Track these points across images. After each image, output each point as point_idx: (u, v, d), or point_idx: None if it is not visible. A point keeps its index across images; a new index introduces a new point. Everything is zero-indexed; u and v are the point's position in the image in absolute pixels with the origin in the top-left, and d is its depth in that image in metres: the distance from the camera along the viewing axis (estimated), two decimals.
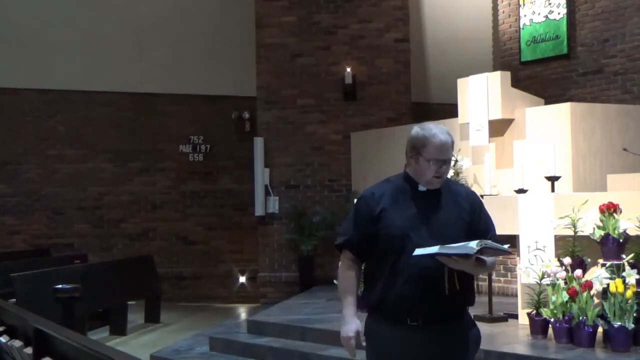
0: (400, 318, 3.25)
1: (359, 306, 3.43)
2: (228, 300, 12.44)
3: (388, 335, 3.29)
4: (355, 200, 3.56)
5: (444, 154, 3.27)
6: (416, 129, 3.35)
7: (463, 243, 3.13)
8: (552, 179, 6.94)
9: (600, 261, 5.95)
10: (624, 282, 5.57)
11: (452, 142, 3.33)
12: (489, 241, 3.19)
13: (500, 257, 8.75)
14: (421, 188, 3.34)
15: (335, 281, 8.24)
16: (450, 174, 8.51)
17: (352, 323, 3.33)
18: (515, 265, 6.78)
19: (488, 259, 3.24)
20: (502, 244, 3.33)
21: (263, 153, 11.35)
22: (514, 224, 6.57)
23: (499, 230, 6.90)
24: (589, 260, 6.07)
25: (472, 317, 3.45)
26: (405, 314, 3.24)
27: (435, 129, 3.31)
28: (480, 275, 9.03)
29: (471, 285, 3.39)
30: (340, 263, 3.48)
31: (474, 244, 3.11)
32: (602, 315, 5.69)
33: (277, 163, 11.41)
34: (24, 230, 12.44)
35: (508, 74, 8.61)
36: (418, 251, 3.14)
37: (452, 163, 8.52)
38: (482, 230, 3.35)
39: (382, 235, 3.28)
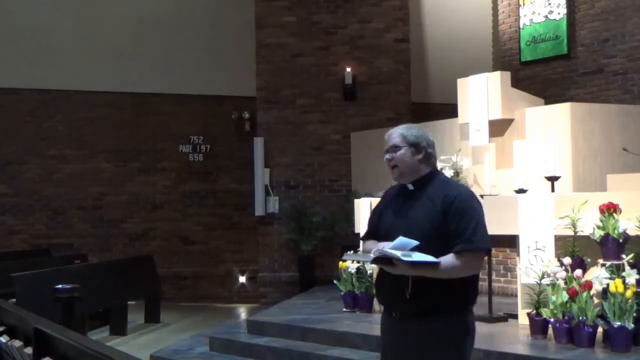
0: (386, 309, 3.56)
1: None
2: (228, 300, 12.44)
3: (382, 325, 3.59)
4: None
5: (387, 143, 3.52)
6: None
7: (376, 249, 3.32)
8: (552, 179, 6.95)
9: (600, 261, 5.95)
10: (623, 282, 5.57)
11: (401, 132, 3.52)
12: (385, 250, 3.26)
13: (500, 257, 8.75)
14: (410, 187, 3.52)
15: (335, 281, 8.24)
16: (450, 173, 8.54)
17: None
18: (515, 265, 6.78)
19: (442, 265, 3.25)
20: (482, 246, 3.36)
21: (263, 153, 11.35)
22: (514, 224, 6.56)
23: (499, 231, 6.90)
24: (589, 260, 6.07)
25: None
26: (387, 306, 3.55)
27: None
28: (480, 275, 9.03)
29: (442, 288, 3.33)
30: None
31: (372, 252, 3.31)
32: (602, 315, 5.69)
33: (277, 163, 11.41)
34: (24, 230, 12.44)
35: (508, 74, 8.60)
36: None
37: (451, 163, 8.53)
38: (453, 231, 3.33)
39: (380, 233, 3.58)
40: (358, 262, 7.84)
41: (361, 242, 3.80)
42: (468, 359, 3.42)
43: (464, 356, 3.40)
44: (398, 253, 3.22)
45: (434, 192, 3.44)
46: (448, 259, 3.29)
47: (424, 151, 3.51)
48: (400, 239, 3.28)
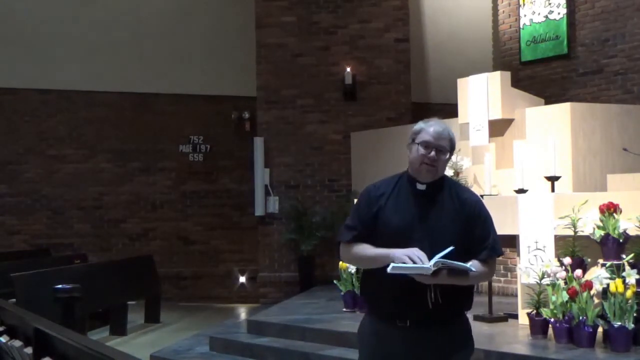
0: (390, 318, 3.28)
1: (358, 305, 3.47)
2: (228, 300, 12.44)
3: (380, 334, 3.32)
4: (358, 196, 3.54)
5: (435, 140, 3.28)
6: (419, 122, 3.40)
7: (426, 262, 3.10)
8: (552, 179, 6.94)
9: (600, 261, 5.95)
10: (624, 282, 5.57)
11: (450, 136, 3.32)
12: (448, 260, 3.12)
13: (500, 258, 8.75)
14: (420, 187, 3.32)
15: (335, 281, 8.23)
16: (450, 173, 8.54)
17: (396, 250, 3.20)
18: (515, 265, 6.78)
19: (474, 270, 3.19)
20: (502, 252, 3.33)
21: (263, 153, 11.35)
22: (514, 224, 6.56)
23: (499, 231, 6.91)
24: (589, 260, 6.07)
25: (471, 320, 3.44)
26: (394, 315, 3.26)
27: (433, 121, 3.36)
28: None
29: (465, 293, 3.33)
30: (342, 251, 3.44)
31: (431, 263, 3.09)
32: (602, 315, 5.69)
33: (277, 163, 11.41)
34: (24, 230, 12.44)
35: (508, 74, 8.60)
36: (389, 268, 3.12)
37: (451, 163, 8.52)
38: (477, 237, 3.30)
39: (378, 234, 3.29)
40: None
41: (343, 244, 3.40)
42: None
43: (472, 353, 3.41)
44: (431, 263, 3.08)
45: (450, 195, 3.33)
46: (477, 266, 3.24)
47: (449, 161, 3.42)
48: (447, 249, 3.15)
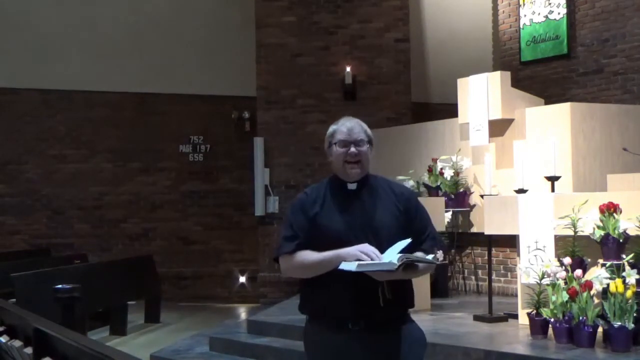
0: (340, 323, 3.20)
1: (299, 309, 3.42)
2: (228, 300, 12.44)
3: (329, 342, 3.24)
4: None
5: (351, 136, 3.28)
6: (331, 126, 3.40)
7: (386, 259, 3.07)
8: (552, 179, 6.94)
9: (600, 261, 5.95)
10: (624, 282, 5.57)
11: (363, 128, 3.32)
12: (411, 255, 3.11)
13: (500, 257, 8.75)
14: (350, 187, 3.31)
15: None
16: (450, 173, 8.54)
17: (346, 249, 3.14)
18: (515, 265, 6.78)
19: (421, 264, 3.17)
20: (437, 245, 3.34)
21: (263, 153, 11.35)
22: (514, 224, 6.56)
23: (499, 231, 6.90)
24: (589, 260, 6.07)
25: (420, 318, 3.42)
26: (344, 319, 3.20)
27: (343, 120, 3.37)
28: (480, 276, 9.05)
29: (408, 287, 3.31)
30: (284, 264, 3.36)
31: (395, 259, 3.05)
32: (602, 315, 5.69)
33: (277, 163, 11.41)
34: (24, 230, 12.43)
35: (508, 74, 8.60)
36: (342, 265, 3.07)
37: (451, 163, 8.53)
38: (417, 229, 3.29)
39: (317, 240, 3.22)
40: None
41: (283, 257, 3.33)
42: None
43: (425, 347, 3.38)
44: (395, 259, 3.07)
45: (384, 190, 3.31)
46: (429, 258, 3.24)
47: (372, 152, 3.36)
48: (402, 242, 3.14)
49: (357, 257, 3.08)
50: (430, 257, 3.21)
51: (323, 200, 3.29)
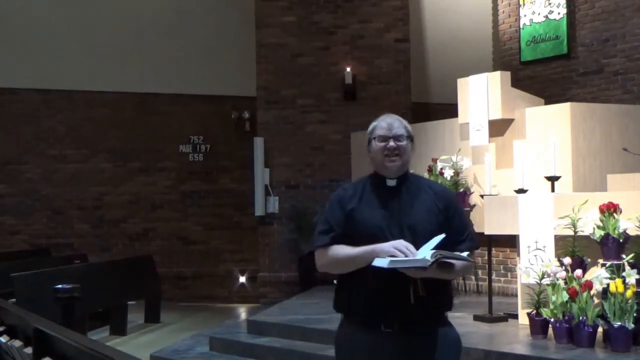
0: (373, 324, 3.15)
1: (334, 308, 3.38)
2: (228, 300, 12.44)
3: (362, 343, 3.19)
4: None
5: (390, 131, 3.27)
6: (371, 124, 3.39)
7: (420, 256, 3.01)
8: (552, 179, 6.94)
9: (600, 261, 5.94)
10: (624, 282, 5.57)
11: (403, 124, 3.31)
12: (445, 251, 3.04)
13: (500, 257, 8.75)
14: (389, 183, 3.28)
15: (335, 281, 8.21)
16: (450, 173, 8.54)
17: (381, 244, 3.09)
18: (515, 265, 6.79)
19: (457, 263, 3.11)
20: (475, 246, 3.28)
21: (263, 153, 11.35)
22: (514, 224, 6.56)
23: (499, 231, 6.89)
24: (589, 260, 6.07)
25: (449, 319, 3.32)
26: (377, 319, 3.15)
27: (383, 116, 3.37)
28: (480, 275, 9.05)
29: (445, 289, 3.24)
30: (319, 258, 3.32)
31: (429, 255, 2.99)
32: (602, 315, 5.69)
33: (277, 163, 11.40)
34: (24, 230, 12.44)
35: (508, 74, 8.59)
36: (375, 262, 3.02)
37: (451, 163, 8.52)
38: (456, 228, 3.24)
39: (352, 235, 3.19)
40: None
41: (321, 248, 3.28)
42: None
43: (460, 351, 3.33)
44: (429, 255, 2.99)
45: (423, 188, 3.28)
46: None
47: (414, 150, 3.34)
48: (436, 238, 3.08)
49: (391, 253, 3.03)
50: (465, 254, 3.15)
51: (361, 195, 3.27)
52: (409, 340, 3.14)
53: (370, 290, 3.15)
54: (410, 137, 3.30)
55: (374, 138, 3.30)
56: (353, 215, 3.22)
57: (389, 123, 3.30)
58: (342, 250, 3.21)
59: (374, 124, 3.35)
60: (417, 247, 3.07)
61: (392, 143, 3.25)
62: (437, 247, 3.05)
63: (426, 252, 3.03)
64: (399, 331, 3.13)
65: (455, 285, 9.28)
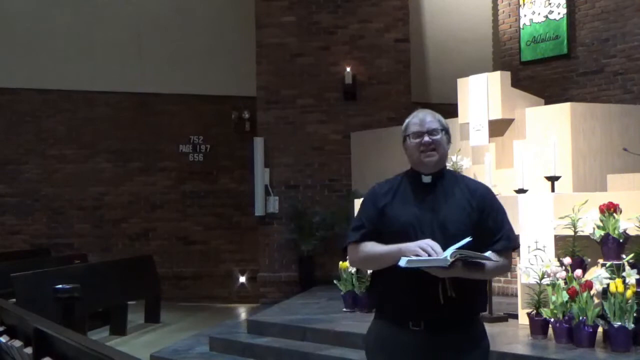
0: (402, 321, 3.12)
1: (365, 305, 3.35)
2: (228, 300, 12.44)
3: (390, 340, 3.16)
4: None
5: (423, 126, 3.21)
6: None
7: (444, 256, 2.97)
8: (552, 179, 6.94)
9: (600, 261, 5.94)
10: (624, 282, 5.57)
11: (437, 118, 3.25)
12: (467, 251, 2.99)
13: None
14: (425, 179, 3.22)
15: (335, 281, 8.22)
16: None
17: (408, 243, 3.06)
18: (515, 265, 6.78)
19: (488, 263, 3.06)
20: (518, 243, 3.20)
21: (263, 153, 11.35)
22: (514, 224, 6.45)
23: None
24: (589, 260, 6.07)
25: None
26: (406, 317, 3.12)
27: (416, 112, 3.31)
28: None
29: (478, 289, 3.19)
30: (350, 254, 3.30)
31: (448, 254, 2.95)
32: (602, 315, 5.69)
33: (277, 163, 11.40)
34: (24, 230, 12.44)
35: (508, 74, 8.60)
36: (401, 261, 2.97)
37: (451, 163, 8.52)
38: (490, 228, 3.17)
39: (385, 232, 3.17)
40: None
41: (352, 245, 3.26)
42: None
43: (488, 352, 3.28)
44: (448, 254, 2.95)
45: (458, 186, 3.22)
46: (494, 257, 3.11)
47: (450, 142, 3.28)
48: (464, 240, 3.02)
49: (416, 252, 3.00)
50: (487, 253, 3.07)
51: (395, 191, 3.23)
52: (436, 339, 3.10)
53: (400, 289, 3.12)
54: (445, 130, 3.24)
55: (408, 135, 3.25)
56: (385, 211, 3.19)
57: (421, 118, 3.24)
58: (371, 247, 3.19)
59: (407, 120, 3.30)
60: (448, 246, 3.01)
61: (426, 138, 3.20)
62: (464, 248, 3.00)
63: (450, 252, 2.99)
64: (427, 330, 3.10)
65: None
